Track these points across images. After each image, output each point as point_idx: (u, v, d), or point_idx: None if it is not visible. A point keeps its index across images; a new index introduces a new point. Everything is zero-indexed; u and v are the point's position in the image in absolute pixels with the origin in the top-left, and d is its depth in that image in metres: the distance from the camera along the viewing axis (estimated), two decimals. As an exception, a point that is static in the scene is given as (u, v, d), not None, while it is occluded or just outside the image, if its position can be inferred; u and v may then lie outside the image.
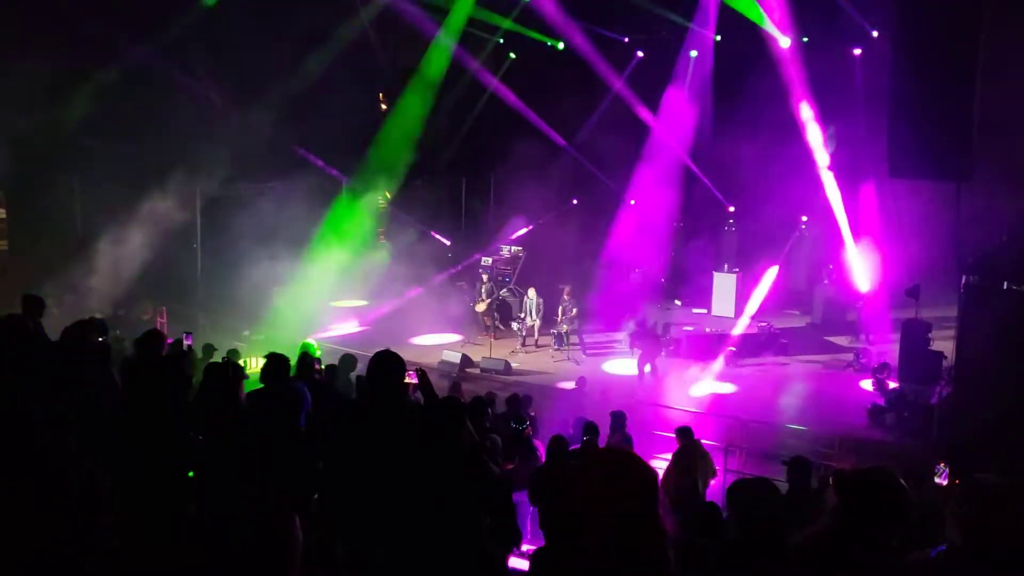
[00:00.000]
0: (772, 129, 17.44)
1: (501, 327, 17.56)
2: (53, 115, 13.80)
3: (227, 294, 15.67)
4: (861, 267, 17.51)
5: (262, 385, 5.68)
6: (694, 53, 19.81)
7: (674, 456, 8.51)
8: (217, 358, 9.97)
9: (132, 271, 14.79)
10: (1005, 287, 10.74)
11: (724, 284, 19.24)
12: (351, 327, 17.21)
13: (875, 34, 17.25)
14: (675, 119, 20.09)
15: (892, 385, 13.41)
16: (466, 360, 15.16)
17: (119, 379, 5.83)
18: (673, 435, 8.83)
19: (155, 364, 5.66)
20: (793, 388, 13.71)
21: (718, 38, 19.28)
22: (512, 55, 21.26)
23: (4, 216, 15.75)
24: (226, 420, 5.27)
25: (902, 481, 2.96)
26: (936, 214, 16.24)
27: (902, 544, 2.89)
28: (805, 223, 19.91)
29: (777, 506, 3.39)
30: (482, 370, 15.10)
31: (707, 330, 17.00)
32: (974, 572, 2.65)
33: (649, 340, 15.06)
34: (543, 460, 8.03)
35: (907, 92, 13.21)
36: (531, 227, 20.30)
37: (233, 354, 10.35)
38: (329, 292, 17.57)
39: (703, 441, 9.01)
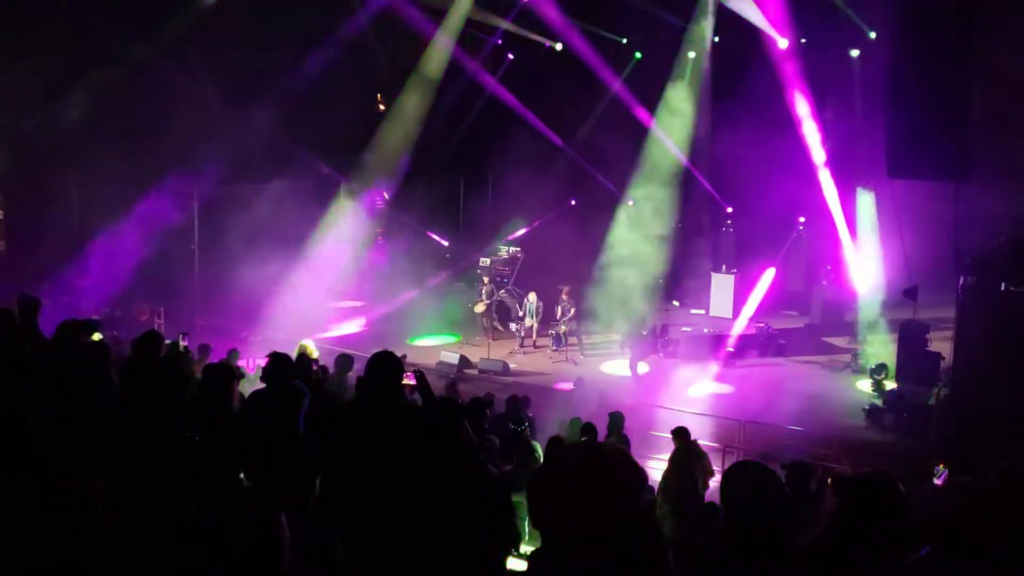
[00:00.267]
0: (770, 130, 17.45)
1: (500, 328, 17.55)
2: (51, 115, 13.79)
3: (224, 295, 15.64)
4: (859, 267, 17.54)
5: (263, 385, 5.67)
6: (692, 54, 19.82)
7: (671, 458, 8.51)
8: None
9: (129, 271, 14.77)
10: (1003, 288, 10.77)
11: (722, 285, 19.27)
12: (350, 327, 17.21)
13: (873, 35, 17.27)
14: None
15: (890, 386, 13.42)
16: (464, 361, 15.16)
17: (117, 380, 5.82)
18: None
19: (153, 365, 5.65)
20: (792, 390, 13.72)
21: (716, 39, 19.30)
22: (510, 56, 21.26)
23: (1, 216, 15.72)
24: (223, 421, 5.26)
25: (900, 484, 2.96)
26: (934, 215, 16.27)
27: (902, 545, 2.89)
28: (803, 224, 19.93)
29: (774, 494, 3.26)
30: (480, 371, 15.10)
31: (705, 331, 17.02)
32: (954, 571, 2.65)
33: (639, 340, 15.09)
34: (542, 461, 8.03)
35: (905, 93, 13.24)
36: (530, 227, 20.30)
37: (233, 355, 10.36)
38: (327, 293, 17.56)
39: (700, 442, 9.01)
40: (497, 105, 20.25)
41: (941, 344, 13.47)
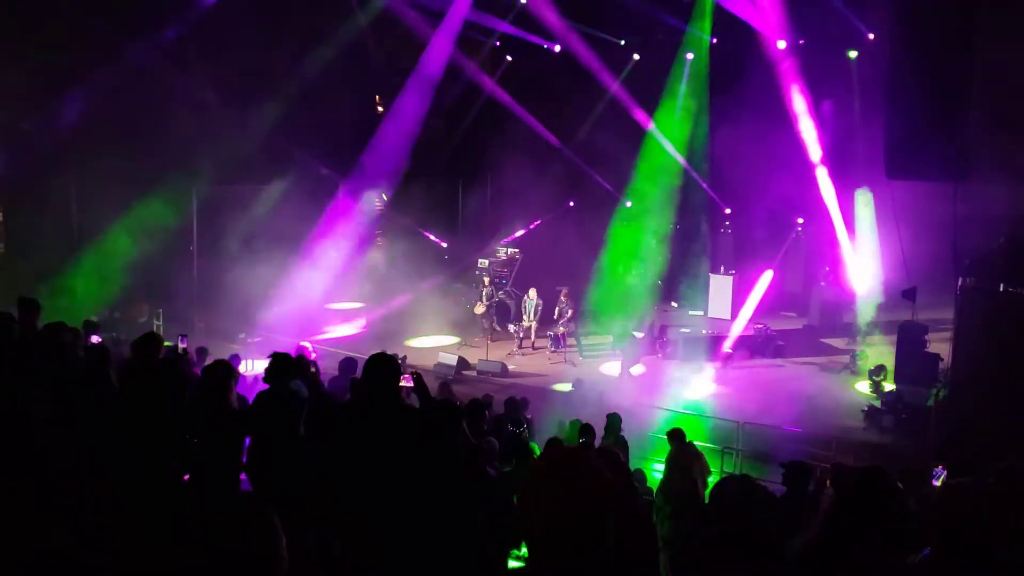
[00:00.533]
0: (768, 131, 17.46)
1: (499, 329, 17.55)
2: (51, 115, 13.78)
3: (223, 296, 15.64)
4: (858, 268, 17.54)
5: (266, 385, 5.68)
6: (691, 55, 19.84)
7: (668, 459, 8.49)
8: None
9: (128, 273, 14.76)
10: (1001, 289, 10.77)
11: (720, 286, 19.28)
12: (349, 329, 17.20)
13: (871, 36, 17.28)
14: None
15: (888, 387, 13.42)
16: (462, 362, 15.15)
17: (116, 381, 5.82)
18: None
19: (152, 366, 5.66)
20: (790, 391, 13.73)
21: (714, 41, 19.32)
22: (509, 57, 21.27)
23: (0, 218, 15.71)
24: (221, 421, 5.27)
25: (898, 483, 2.97)
26: (933, 215, 16.25)
27: (901, 546, 2.89)
28: (801, 225, 19.94)
29: (760, 505, 3.31)
30: (479, 372, 15.09)
31: (703, 332, 17.02)
32: (954, 572, 2.65)
33: (634, 341, 15.10)
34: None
35: (904, 93, 13.22)
36: (528, 228, 20.30)
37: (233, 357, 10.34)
38: (326, 294, 17.55)
39: (698, 443, 9.00)
40: (496, 106, 20.28)
41: (940, 345, 13.46)
